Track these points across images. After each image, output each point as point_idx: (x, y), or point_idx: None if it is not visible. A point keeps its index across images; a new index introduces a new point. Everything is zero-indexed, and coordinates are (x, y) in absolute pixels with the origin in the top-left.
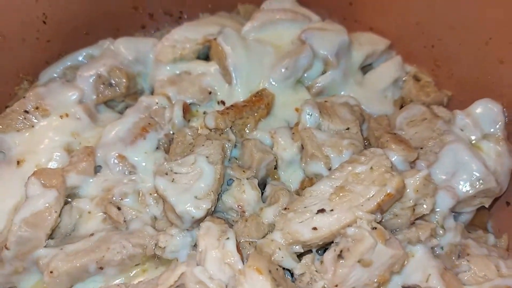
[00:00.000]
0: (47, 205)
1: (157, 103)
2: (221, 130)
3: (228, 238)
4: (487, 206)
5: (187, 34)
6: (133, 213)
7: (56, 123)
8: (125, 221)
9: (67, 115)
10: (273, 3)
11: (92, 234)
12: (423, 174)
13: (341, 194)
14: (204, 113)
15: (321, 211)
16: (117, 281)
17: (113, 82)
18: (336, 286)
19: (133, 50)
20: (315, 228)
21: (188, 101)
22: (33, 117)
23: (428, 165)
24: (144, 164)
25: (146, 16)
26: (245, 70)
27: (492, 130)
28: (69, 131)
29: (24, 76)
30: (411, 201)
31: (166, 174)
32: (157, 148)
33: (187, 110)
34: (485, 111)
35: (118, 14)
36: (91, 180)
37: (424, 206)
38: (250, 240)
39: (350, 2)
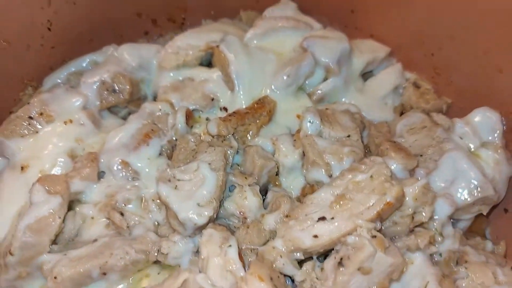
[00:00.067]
0: (51, 211)
1: (160, 109)
2: (223, 137)
3: (230, 246)
4: (485, 213)
5: (190, 41)
6: (136, 218)
7: (60, 129)
8: (128, 227)
9: (71, 121)
10: (275, 10)
11: (95, 240)
12: (422, 183)
13: (341, 202)
14: (207, 119)
15: (322, 219)
16: (119, 287)
17: (117, 88)
18: None
19: (137, 57)
20: (316, 236)
21: (191, 108)
22: (37, 123)
23: (427, 173)
24: (147, 170)
25: (149, 23)
26: (247, 77)
27: (490, 138)
28: (73, 137)
29: (29, 82)
30: (410, 209)
31: (169, 180)
32: (160, 154)
33: (190, 116)
34: (483, 120)
35: (122, 20)
36: (94, 186)
37: (423, 214)
38: (252, 247)
39: (351, 9)
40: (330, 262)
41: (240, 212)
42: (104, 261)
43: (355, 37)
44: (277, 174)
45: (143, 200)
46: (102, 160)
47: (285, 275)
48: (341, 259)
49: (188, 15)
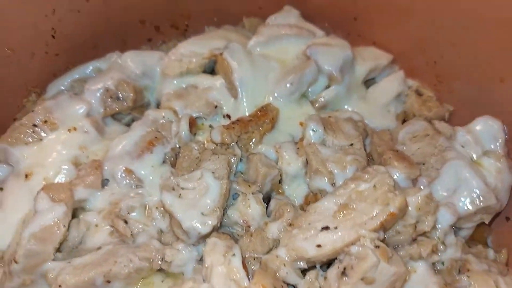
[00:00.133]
0: (55, 219)
1: (163, 117)
2: (227, 145)
3: (234, 255)
4: (487, 222)
5: (194, 48)
6: (140, 226)
7: (64, 136)
8: (131, 234)
9: (75, 128)
10: (278, 18)
11: (99, 248)
12: (425, 193)
13: (345, 211)
14: (210, 126)
15: (326, 228)
16: None
17: (121, 95)
18: None
19: (140, 64)
20: (319, 245)
21: (194, 115)
22: (42, 131)
23: (429, 182)
24: (150, 177)
25: (152, 29)
26: (250, 85)
27: (492, 146)
28: (77, 144)
29: (32, 89)
30: (413, 219)
31: (173, 189)
32: (163, 162)
33: (193, 124)
34: (485, 128)
35: (125, 27)
36: (98, 194)
37: (426, 223)
38: (255, 255)
39: (354, 17)
40: (333, 272)
41: (243, 221)
42: (108, 269)
43: (357, 44)
44: (280, 182)
45: (147, 208)
46: (106, 168)
47: (288, 284)
48: (345, 268)
49: (191, 22)
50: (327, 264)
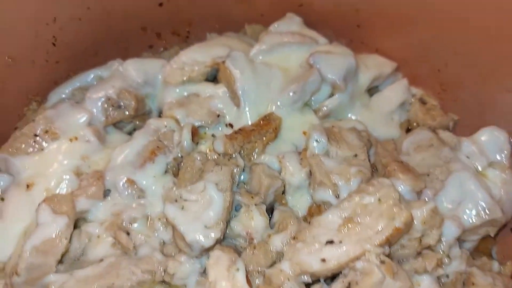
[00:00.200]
0: (57, 232)
1: (165, 126)
2: (229, 155)
3: (238, 269)
4: (492, 235)
5: (196, 57)
6: (142, 238)
7: (65, 146)
8: (134, 246)
9: (76, 138)
10: (281, 25)
11: (101, 260)
12: (430, 207)
13: (349, 225)
14: (213, 135)
15: (330, 242)
16: None
17: (122, 104)
18: None
19: (142, 72)
20: (323, 260)
21: (197, 124)
22: (43, 141)
23: (434, 193)
24: (153, 188)
25: (153, 36)
26: (253, 94)
27: (498, 157)
28: (79, 154)
29: (33, 97)
30: (418, 233)
31: (176, 201)
32: (165, 171)
33: (195, 133)
34: (491, 139)
35: (127, 34)
36: (100, 204)
37: (431, 237)
38: (259, 268)
39: (358, 24)
40: (338, 286)
41: (246, 233)
42: (110, 282)
43: (361, 51)
44: (283, 192)
45: (149, 219)
46: (107, 178)
47: None
48: (349, 284)
49: (193, 28)
50: (332, 278)
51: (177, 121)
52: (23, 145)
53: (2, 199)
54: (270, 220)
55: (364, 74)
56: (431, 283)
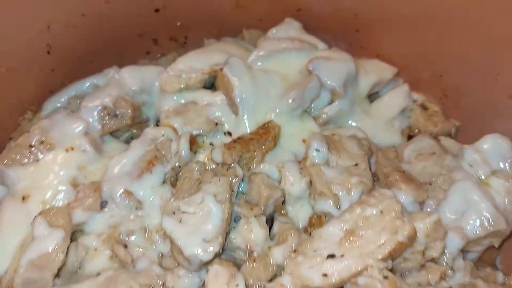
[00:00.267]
0: (54, 246)
1: (163, 135)
2: (228, 165)
3: (237, 285)
4: (497, 246)
5: (193, 64)
6: (140, 250)
7: (61, 156)
8: (131, 259)
9: (72, 148)
10: (279, 30)
11: (98, 273)
12: (433, 219)
13: (351, 238)
14: (211, 144)
15: (331, 256)
16: None
17: (118, 113)
18: None
19: (138, 80)
20: (325, 275)
21: (195, 132)
22: (38, 151)
23: (437, 204)
24: (151, 199)
25: (150, 42)
26: (251, 101)
27: (501, 165)
28: (75, 164)
29: (28, 107)
30: (421, 245)
31: (174, 213)
32: (163, 182)
33: (193, 142)
34: (494, 147)
35: (123, 41)
36: (97, 216)
37: (434, 249)
38: (259, 283)
39: (357, 29)
40: None
41: (246, 246)
42: None
43: (361, 56)
44: (283, 202)
45: (147, 231)
46: (104, 189)
47: None
48: None
49: (190, 34)
50: None
51: (174, 129)
52: (18, 156)
53: None
54: (270, 231)
55: (364, 80)
56: None
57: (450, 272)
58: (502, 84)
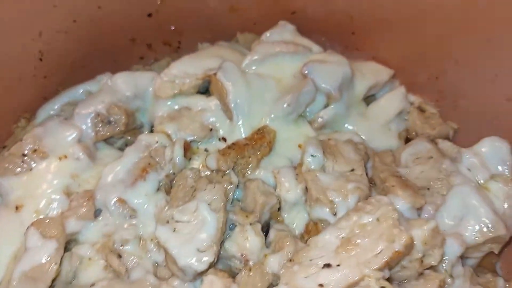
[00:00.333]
0: (47, 257)
1: (157, 141)
2: (223, 172)
3: None
4: (496, 252)
5: (187, 69)
6: (135, 260)
7: (54, 165)
8: (126, 269)
9: (65, 156)
10: (273, 34)
11: (93, 284)
12: (431, 226)
13: (347, 247)
14: (206, 150)
15: (328, 266)
16: None
17: (112, 119)
18: None
19: (132, 86)
20: (321, 285)
21: (189, 138)
22: (31, 160)
23: (435, 209)
24: (145, 206)
25: (144, 47)
26: (246, 106)
27: (500, 169)
28: (68, 173)
29: (22, 114)
30: (419, 253)
31: (167, 222)
32: (158, 189)
33: (187, 148)
34: (492, 150)
35: (116, 46)
36: (91, 225)
37: (433, 257)
38: None
39: (352, 31)
40: None
41: (241, 254)
42: None
43: (356, 58)
44: (279, 209)
45: (141, 240)
46: (98, 197)
47: None
48: None
49: (184, 38)
50: None
51: (168, 136)
52: (11, 166)
53: None
54: (266, 238)
55: (360, 83)
56: None
57: (449, 280)
58: (500, 86)
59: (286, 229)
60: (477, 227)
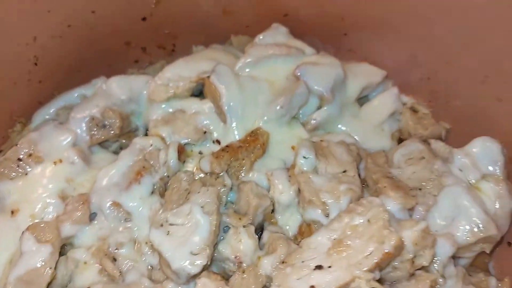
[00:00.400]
0: (42, 262)
1: (151, 144)
2: (216, 174)
3: None
4: (488, 251)
5: (180, 72)
6: (130, 263)
7: (49, 169)
8: (121, 272)
9: (60, 160)
10: (266, 36)
11: None
12: (421, 227)
13: (339, 248)
14: (200, 153)
15: (319, 267)
16: None
17: (107, 123)
18: None
19: (126, 89)
20: (312, 287)
21: (183, 141)
22: (26, 165)
23: (426, 209)
24: (139, 209)
25: (138, 51)
26: (239, 109)
27: (491, 169)
28: (63, 177)
29: (17, 118)
30: (410, 254)
31: (161, 225)
32: (152, 192)
33: (182, 151)
34: (483, 150)
35: (111, 50)
36: (86, 228)
37: (424, 257)
38: None
39: (344, 32)
40: None
41: (235, 257)
42: None
43: (349, 59)
44: (272, 211)
45: (136, 243)
46: (93, 201)
47: None
48: None
49: (178, 41)
50: None
51: (163, 139)
52: (7, 171)
53: None
54: (260, 240)
55: (353, 84)
56: None
57: (441, 280)
58: (490, 86)
59: (280, 231)
60: (468, 227)
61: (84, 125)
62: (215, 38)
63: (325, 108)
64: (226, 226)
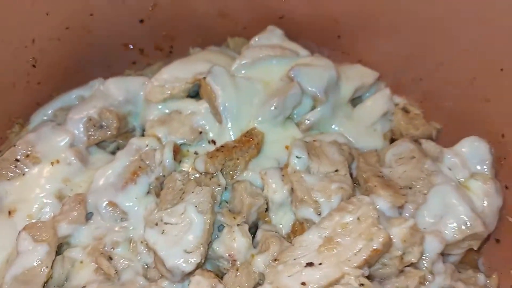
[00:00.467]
0: (38, 261)
1: (147, 145)
2: (211, 174)
3: None
4: (476, 248)
5: (177, 73)
6: (126, 262)
7: (47, 170)
8: (116, 271)
9: (58, 161)
10: (262, 38)
11: (83, 287)
12: (409, 224)
13: (329, 246)
14: (195, 153)
15: (310, 264)
16: None
17: (104, 124)
18: None
19: (123, 90)
20: (304, 283)
21: (179, 142)
22: (24, 166)
23: (416, 208)
24: (135, 209)
25: (136, 52)
26: (235, 109)
27: (479, 168)
28: (61, 177)
29: (15, 120)
30: (399, 251)
31: (156, 224)
32: (148, 192)
33: (177, 151)
34: (472, 150)
35: (109, 52)
36: (83, 228)
37: (412, 254)
38: None
39: (338, 35)
40: None
41: (229, 255)
42: None
43: (343, 61)
44: (266, 210)
45: (132, 242)
46: (89, 201)
47: None
48: None
49: (176, 43)
50: None
51: (159, 139)
52: (4, 171)
53: None
54: (254, 239)
55: (346, 85)
56: None
57: (429, 276)
58: (478, 87)
59: (273, 230)
60: (456, 225)
61: (81, 126)
62: (212, 40)
63: (319, 108)
64: (221, 225)
